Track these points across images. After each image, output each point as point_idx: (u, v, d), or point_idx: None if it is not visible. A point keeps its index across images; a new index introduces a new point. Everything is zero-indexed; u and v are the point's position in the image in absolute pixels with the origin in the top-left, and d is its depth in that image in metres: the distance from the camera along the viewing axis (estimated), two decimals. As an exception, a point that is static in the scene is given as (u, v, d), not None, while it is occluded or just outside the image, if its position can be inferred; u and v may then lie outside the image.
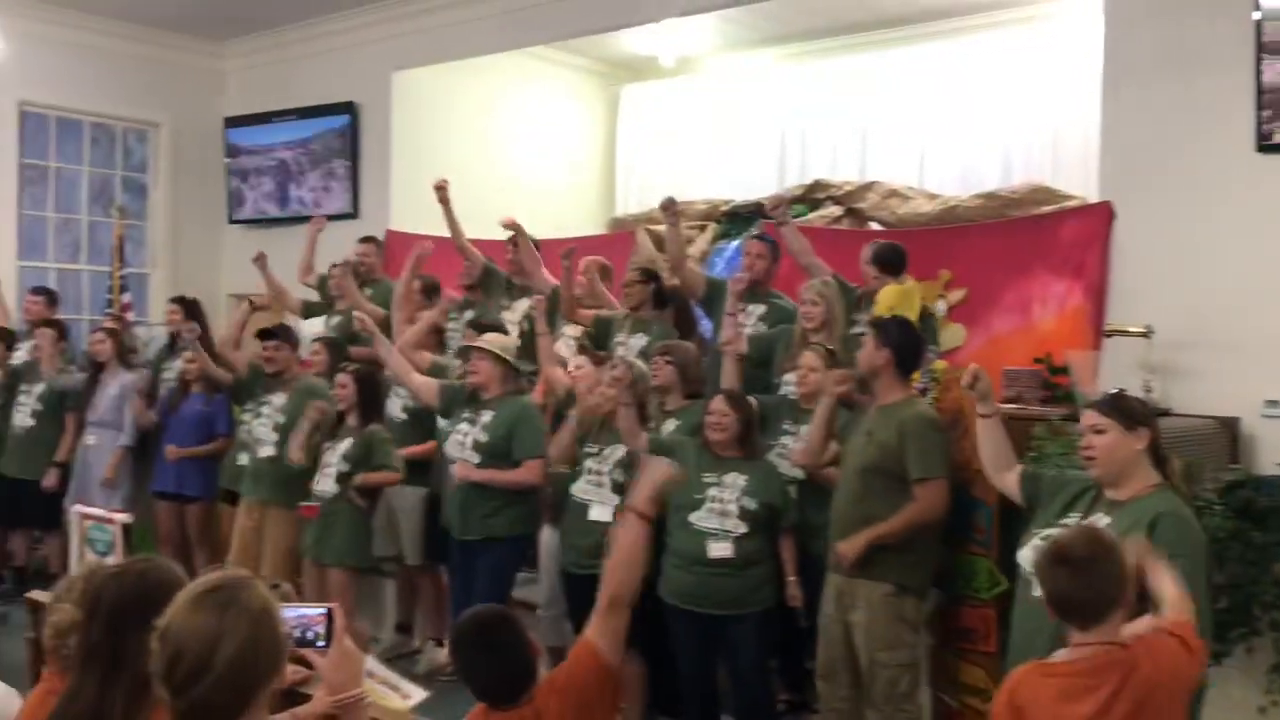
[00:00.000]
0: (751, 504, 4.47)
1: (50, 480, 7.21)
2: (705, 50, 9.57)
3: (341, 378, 5.73)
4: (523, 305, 6.75)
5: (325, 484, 5.57)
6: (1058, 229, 6.22)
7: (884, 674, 4.16)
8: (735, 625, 4.48)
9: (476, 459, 5.17)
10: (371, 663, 3.44)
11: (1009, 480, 3.69)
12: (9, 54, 6.78)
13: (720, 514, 4.47)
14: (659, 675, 4.89)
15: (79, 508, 4.29)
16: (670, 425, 5.05)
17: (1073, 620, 2.59)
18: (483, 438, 5.18)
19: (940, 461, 4.17)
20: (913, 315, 5.52)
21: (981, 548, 4.29)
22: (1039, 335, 6.07)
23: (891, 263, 5.70)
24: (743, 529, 4.46)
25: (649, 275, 6.16)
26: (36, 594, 4.04)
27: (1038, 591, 3.03)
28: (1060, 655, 2.64)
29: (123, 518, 4.09)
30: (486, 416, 5.21)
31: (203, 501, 6.91)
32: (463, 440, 5.25)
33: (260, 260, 7.56)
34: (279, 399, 6.21)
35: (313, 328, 7.44)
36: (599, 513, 4.84)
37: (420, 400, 5.69)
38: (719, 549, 4.43)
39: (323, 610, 2.07)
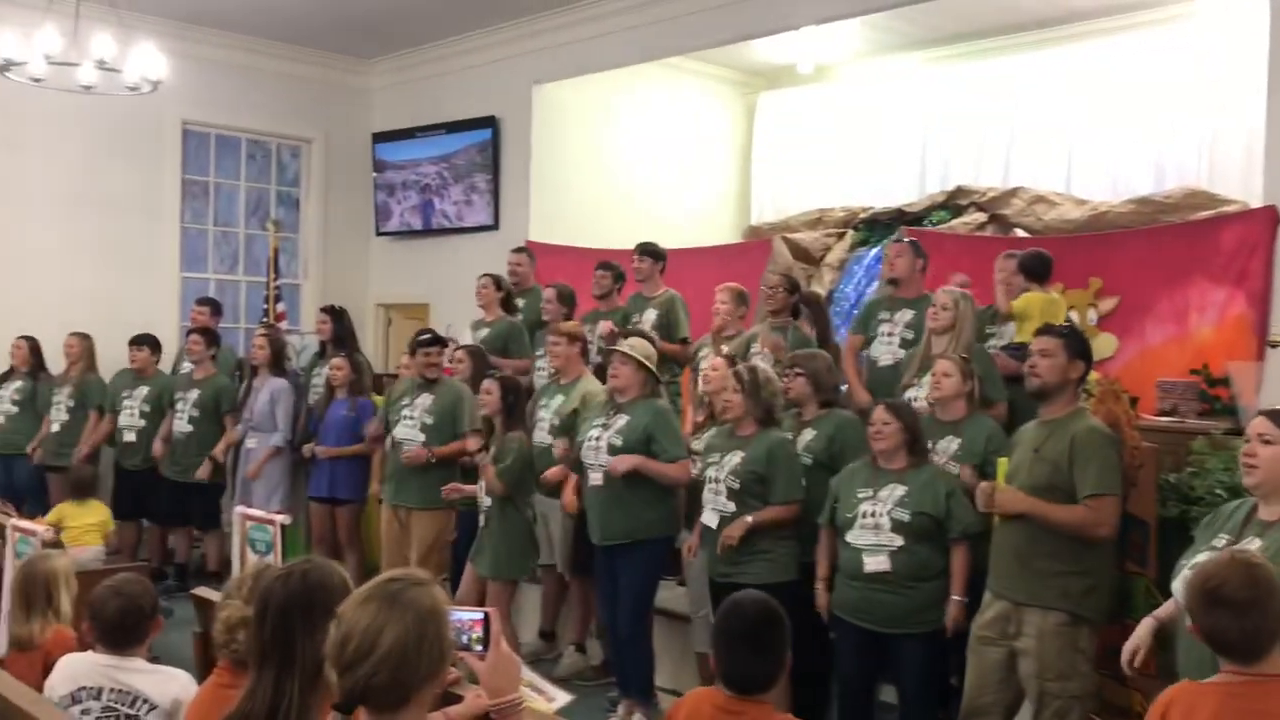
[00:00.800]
0: (904, 515, 4.34)
1: (203, 471, 7.52)
2: (844, 57, 9.49)
3: (487, 384, 5.76)
4: (650, 316, 6.80)
5: (482, 496, 5.64)
6: (1217, 234, 5.97)
7: (1054, 704, 3.99)
8: (898, 644, 4.37)
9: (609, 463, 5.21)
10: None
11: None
12: (172, 75, 7.11)
13: (874, 529, 4.39)
14: (803, 692, 4.87)
15: (240, 509, 4.48)
16: (807, 435, 5.01)
17: (1233, 659, 2.53)
18: (617, 442, 5.21)
19: (1115, 479, 3.96)
20: (1034, 325, 5.38)
21: (1138, 567, 4.14)
22: (1196, 345, 5.84)
23: (1038, 271, 5.56)
24: (899, 542, 4.35)
25: (792, 284, 6.14)
26: (203, 591, 4.23)
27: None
28: (1219, 678, 2.57)
29: (282, 519, 4.26)
30: (620, 421, 5.24)
31: (353, 504, 7.13)
32: (597, 446, 5.30)
33: None
34: (425, 401, 6.35)
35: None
36: (709, 518, 4.85)
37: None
38: (874, 563, 4.36)
39: (480, 615, 2.09)
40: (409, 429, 6.32)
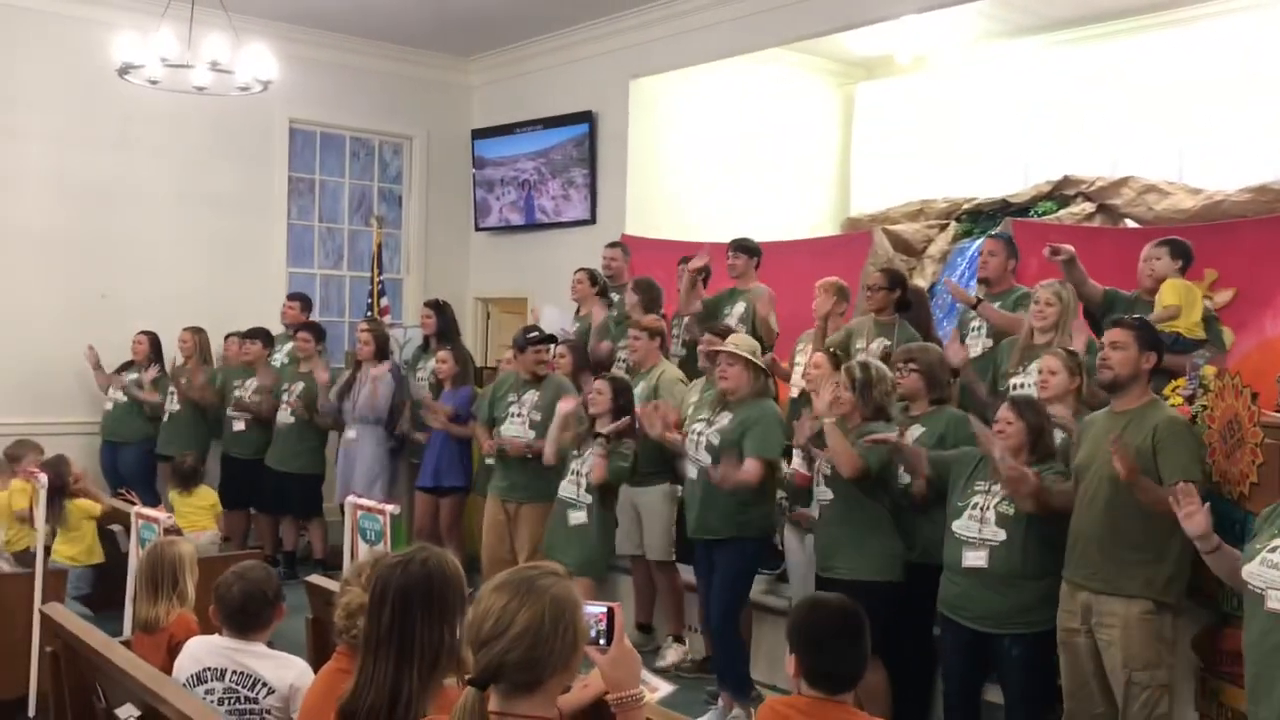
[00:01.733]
0: (1009, 509, 4.28)
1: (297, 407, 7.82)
2: (942, 46, 9.34)
3: (598, 384, 5.78)
4: (739, 309, 6.77)
5: (579, 493, 5.66)
6: (1341, 224, 5.74)
7: (1142, 695, 3.96)
8: (1000, 644, 4.30)
9: (708, 460, 5.21)
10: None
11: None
12: (280, 75, 7.30)
13: (979, 521, 4.32)
14: (906, 688, 4.83)
15: (351, 498, 4.58)
16: (916, 431, 4.95)
17: None
18: (715, 440, 5.23)
19: (1199, 467, 3.96)
20: (1195, 314, 5.24)
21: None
22: (1319, 339, 5.63)
23: (1185, 254, 5.42)
24: (1001, 536, 4.28)
25: (893, 280, 6.07)
26: (316, 578, 4.35)
27: (1273, 604, 2.98)
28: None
29: (391, 508, 4.35)
30: (724, 419, 5.24)
31: (457, 494, 7.24)
32: (697, 440, 5.31)
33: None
34: (532, 397, 6.39)
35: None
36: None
37: None
38: (972, 558, 4.30)
39: (604, 608, 2.12)
40: (518, 426, 6.36)
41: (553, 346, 6.75)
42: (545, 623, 1.94)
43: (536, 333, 6.59)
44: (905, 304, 6.03)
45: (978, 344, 5.70)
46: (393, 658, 2.26)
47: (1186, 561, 3.99)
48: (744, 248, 6.94)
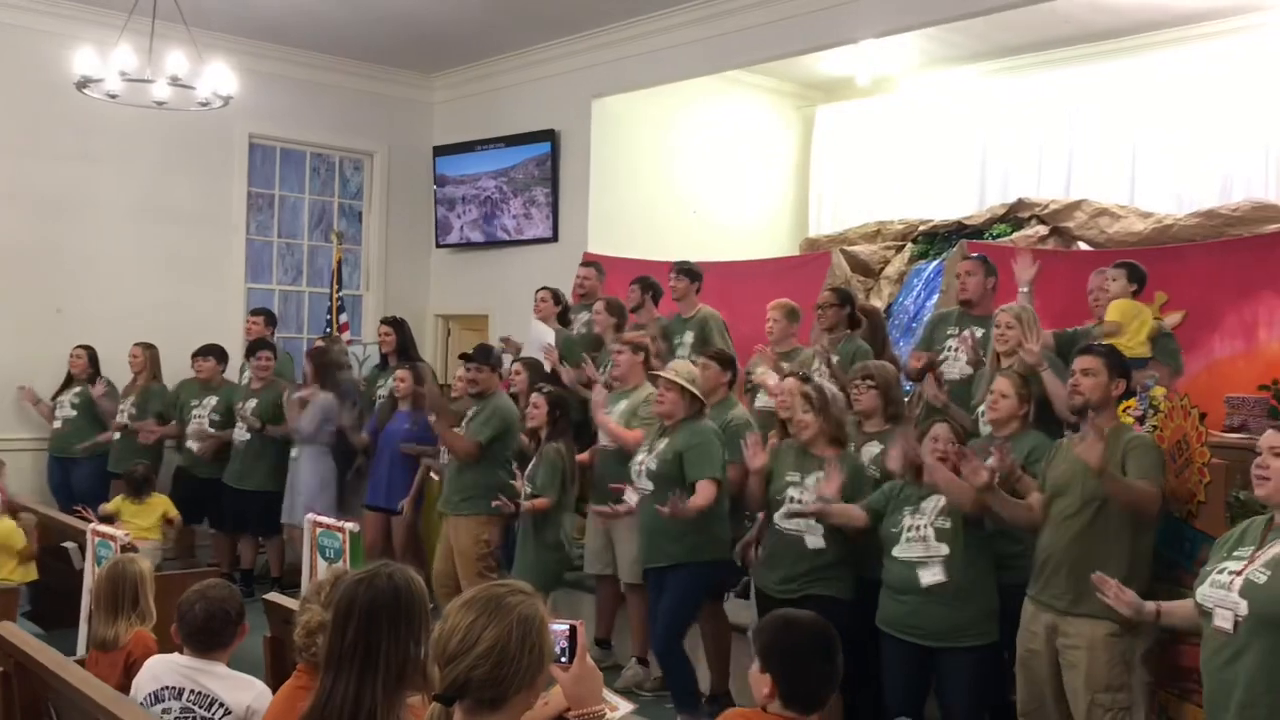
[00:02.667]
0: (946, 523, 4.37)
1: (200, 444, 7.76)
2: (902, 69, 9.47)
3: (535, 398, 5.86)
4: (688, 339, 6.87)
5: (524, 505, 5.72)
6: (1286, 248, 5.89)
7: (1105, 716, 4.00)
8: (945, 659, 4.37)
9: (650, 487, 5.24)
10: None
11: None
12: (240, 91, 7.28)
13: (920, 540, 4.40)
14: (858, 704, 4.87)
15: (311, 516, 4.57)
16: (874, 449, 5.01)
17: None
18: (654, 465, 5.26)
19: (1160, 475, 4.05)
20: (1141, 334, 5.34)
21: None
22: (1265, 360, 5.77)
23: (1142, 277, 5.53)
24: (945, 550, 4.36)
25: (842, 298, 6.13)
26: (274, 596, 4.32)
27: (1224, 623, 3.04)
28: None
29: (351, 526, 4.34)
30: (662, 444, 5.29)
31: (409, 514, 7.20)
32: (638, 469, 5.35)
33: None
34: (470, 414, 6.44)
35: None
36: (813, 541, 4.81)
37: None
38: (929, 575, 4.35)
39: (566, 626, 2.13)
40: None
41: (509, 361, 6.83)
42: (512, 640, 1.96)
43: (469, 353, 6.66)
44: (855, 321, 6.10)
45: (955, 369, 5.73)
46: (356, 672, 2.26)
47: (1149, 585, 4.06)
48: (685, 271, 7.00)
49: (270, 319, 8.80)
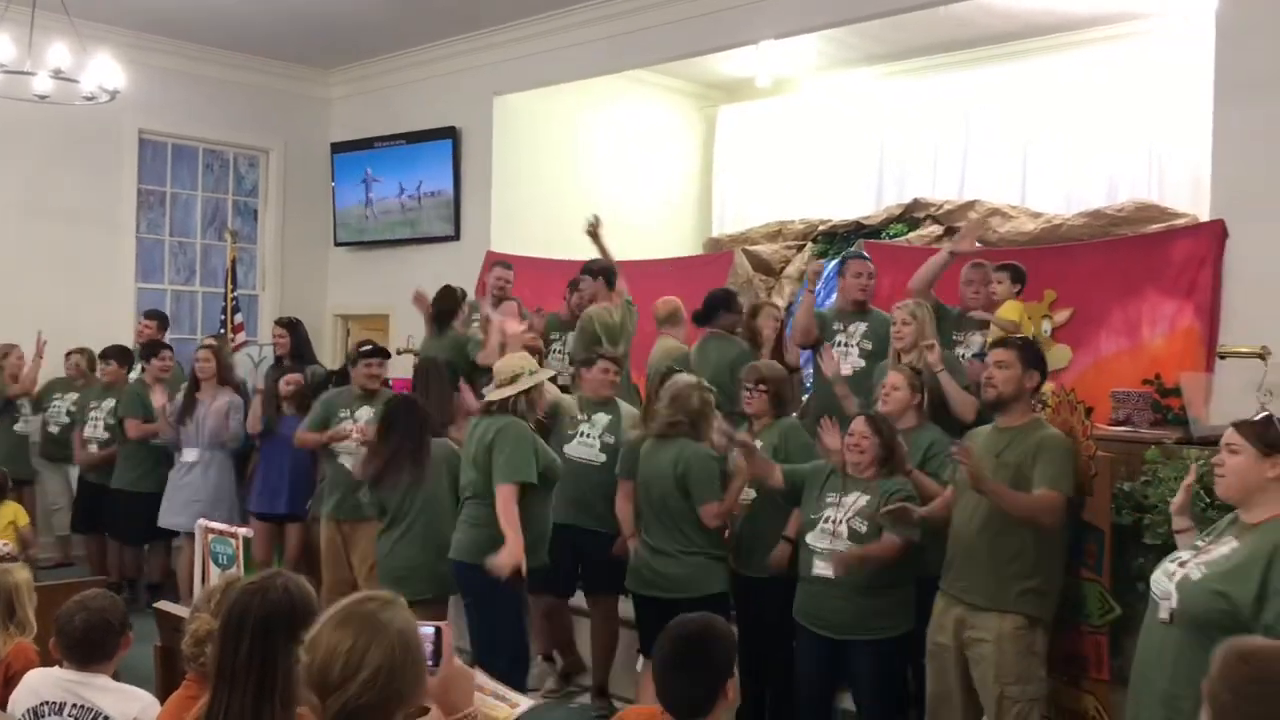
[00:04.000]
0: (861, 526, 4.41)
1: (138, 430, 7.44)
2: (802, 70, 9.58)
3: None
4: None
5: None
6: (1168, 248, 6.10)
7: (1014, 708, 4.05)
8: (852, 651, 4.40)
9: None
10: (480, 676, 3.49)
11: None
12: (129, 84, 7.05)
13: (830, 534, 4.44)
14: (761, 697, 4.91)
15: (203, 521, 4.45)
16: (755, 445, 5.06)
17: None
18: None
19: (1069, 482, 4.06)
20: (1027, 334, 5.49)
21: (1093, 573, 4.22)
22: (1148, 356, 5.96)
23: (1023, 278, 5.67)
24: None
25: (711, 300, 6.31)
26: (165, 605, 4.20)
27: (1163, 614, 3.06)
28: None
29: (244, 532, 4.24)
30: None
31: (298, 520, 6.97)
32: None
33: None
34: (365, 413, 6.29)
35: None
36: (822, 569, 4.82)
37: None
38: (821, 567, 4.41)
39: (430, 629, 2.03)
40: (353, 441, 6.26)
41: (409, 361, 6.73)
42: (396, 658, 1.87)
43: (369, 345, 6.53)
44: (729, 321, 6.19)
45: (847, 364, 5.81)
46: (252, 688, 2.18)
47: (1058, 577, 4.14)
48: (592, 271, 6.99)
49: (164, 322, 8.55)
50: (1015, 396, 4.18)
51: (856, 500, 4.44)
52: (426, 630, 2.03)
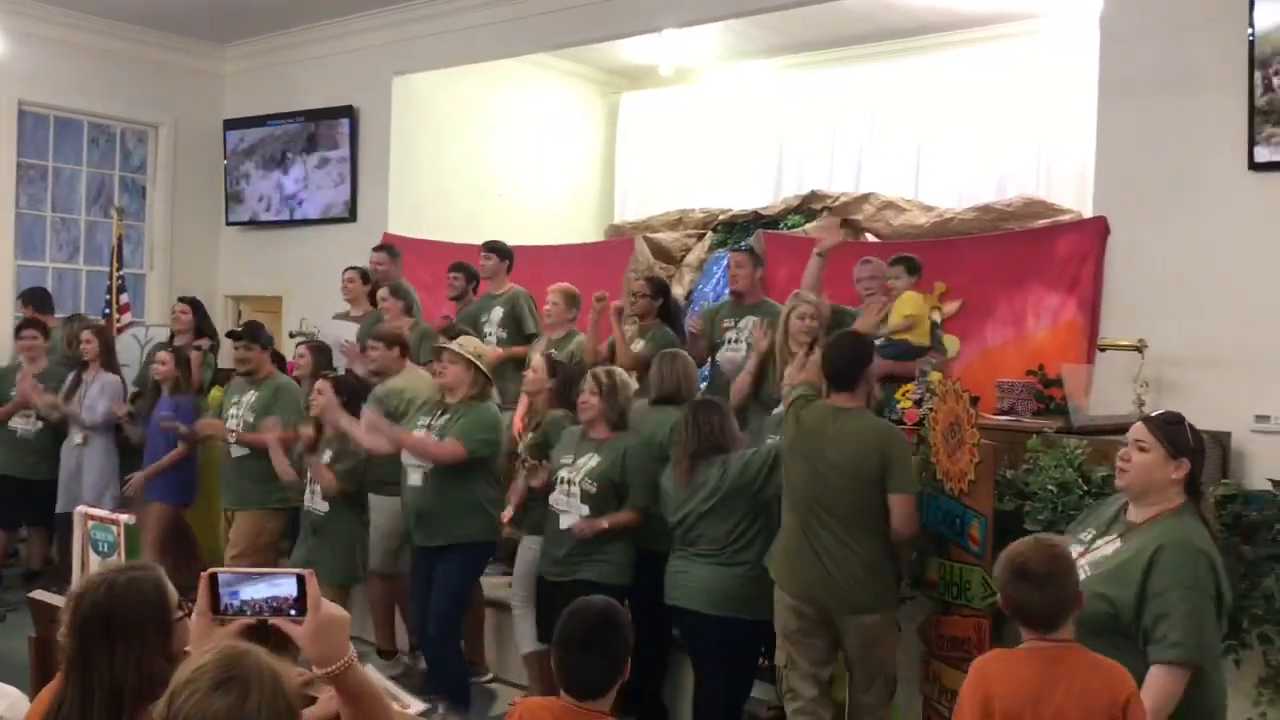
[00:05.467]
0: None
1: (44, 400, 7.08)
2: (704, 60, 9.64)
3: (320, 384, 5.60)
4: (497, 314, 6.82)
5: (314, 501, 5.52)
6: (1052, 243, 6.29)
7: (879, 679, 4.26)
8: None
9: (427, 466, 5.16)
10: (373, 673, 3.43)
11: None
12: (8, 52, 6.79)
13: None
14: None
15: (82, 508, 4.30)
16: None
17: (1033, 628, 2.81)
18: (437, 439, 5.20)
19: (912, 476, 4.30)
20: (925, 325, 5.61)
21: (975, 558, 4.34)
22: (1033, 348, 6.15)
23: (919, 269, 5.78)
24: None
25: (657, 288, 6.22)
26: (41, 594, 4.07)
27: None
28: (1025, 646, 2.85)
29: (126, 519, 4.11)
30: (442, 420, 5.22)
31: (176, 505, 6.84)
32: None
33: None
34: (249, 398, 6.20)
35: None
36: (566, 522, 4.87)
37: None
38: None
39: (292, 578, 1.91)
40: (233, 426, 6.20)
41: (296, 345, 6.63)
42: (273, 709, 1.69)
43: (237, 329, 6.45)
44: (666, 310, 6.18)
45: (738, 355, 5.85)
46: (79, 683, 2.13)
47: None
48: (495, 249, 7.01)
49: (43, 302, 8.16)
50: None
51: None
52: (286, 579, 1.92)
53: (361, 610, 6.33)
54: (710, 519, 4.55)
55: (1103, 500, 3.60)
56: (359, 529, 5.61)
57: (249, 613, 1.92)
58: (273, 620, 1.92)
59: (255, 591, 1.92)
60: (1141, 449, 3.17)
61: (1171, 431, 3.17)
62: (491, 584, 5.89)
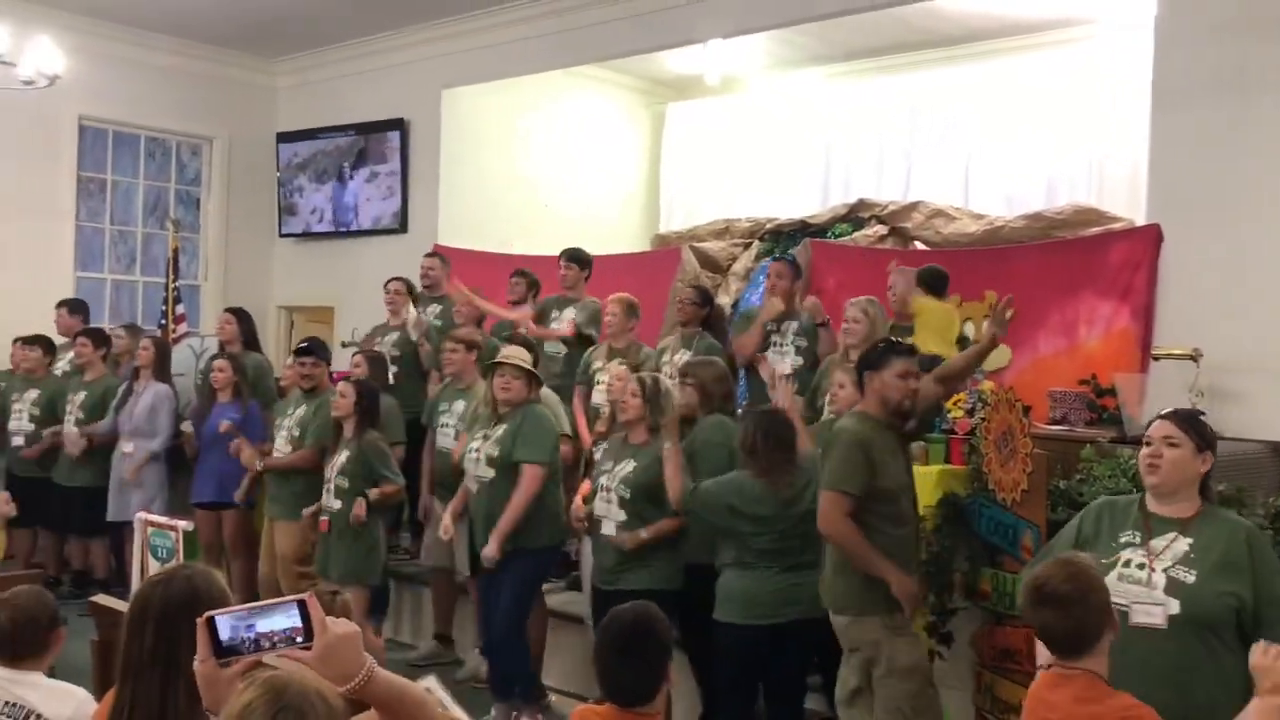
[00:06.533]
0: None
1: (74, 447, 7.30)
2: (751, 69, 9.64)
3: (342, 386, 5.73)
4: (569, 313, 6.88)
5: (328, 499, 5.64)
6: (1105, 251, 6.22)
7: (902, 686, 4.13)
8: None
9: (490, 474, 5.23)
10: (435, 687, 3.40)
11: None
12: (69, 70, 6.94)
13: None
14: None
15: (142, 515, 4.40)
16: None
17: (1059, 653, 2.73)
18: (494, 451, 5.25)
19: (846, 476, 4.08)
20: (952, 334, 5.58)
21: (1027, 568, 4.30)
22: (1084, 357, 6.08)
23: (934, 285, 5.76)
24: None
25: (704, 297, 6.24)
26: (102, 598, 4.15)
27: (1156, 620, 3.07)
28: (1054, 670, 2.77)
29: (184, 525, 4.20)
30: (500, 430, 5.28)
31: (238, 510, 6.90)
32: (477, 456, 5.32)
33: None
34: (299, 412, 6.29)
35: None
36: (608, 529, 4.89)
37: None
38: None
39: (293, 608, 1.86)
40: (281, 440, 6.30)
41: (352, 355, 6.71)
42: None
43: (304, 344, 6.53)
44: (710, 320, 6.20)
45: (786, 363, 5.88)
46: (157, 680, 2.16)
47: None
48: (575, 259, 7.01)
49: (76, 307, 8.28)
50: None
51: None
52: (287, 610, 1.86)
53: (416, 607, 6.46)
54: (807, 523, 4.45)
55: (1105, 503, 3.48)
56: (374, 527, 5.69)
57: (255, 650, 1.87)
58: (281, 653, 1.87)
59: (258, 627, 1.86)
60: (1172, 444, 3.17)
61: (1199, 426, 3.21)
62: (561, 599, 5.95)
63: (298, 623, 1.84)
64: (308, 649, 1.84)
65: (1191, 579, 3.05)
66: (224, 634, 1.85)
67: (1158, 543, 3.16)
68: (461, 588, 6.21)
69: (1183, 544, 3.12)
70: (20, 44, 6.56)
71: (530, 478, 5.13)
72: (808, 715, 4.88)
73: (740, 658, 4.48)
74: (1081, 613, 2.68)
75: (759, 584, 4.44)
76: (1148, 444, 3.24)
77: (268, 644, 1.85)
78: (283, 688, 1.73)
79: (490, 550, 5.05)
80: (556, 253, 7.27)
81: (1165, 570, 3.09)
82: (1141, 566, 3.13)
